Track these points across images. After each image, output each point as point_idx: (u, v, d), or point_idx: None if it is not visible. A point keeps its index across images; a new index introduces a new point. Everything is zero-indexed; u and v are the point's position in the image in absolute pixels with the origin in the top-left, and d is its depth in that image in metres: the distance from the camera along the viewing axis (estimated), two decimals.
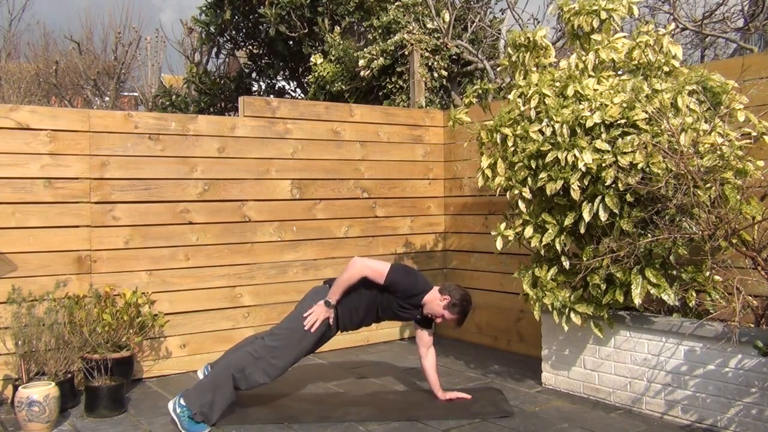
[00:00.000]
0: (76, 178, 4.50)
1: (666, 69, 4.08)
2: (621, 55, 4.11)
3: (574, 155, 3.72)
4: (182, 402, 3.65)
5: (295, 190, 5.37)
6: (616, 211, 3.67)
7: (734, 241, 3.49)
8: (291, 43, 9.66)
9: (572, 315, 3.96)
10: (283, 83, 10.76)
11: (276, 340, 3.80)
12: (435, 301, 3.96)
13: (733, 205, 3.51)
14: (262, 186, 5.22)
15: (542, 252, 4.08)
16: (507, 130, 4.10)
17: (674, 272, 3.80)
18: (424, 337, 4.10)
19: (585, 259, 3.85)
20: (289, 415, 3.92)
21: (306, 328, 3.79)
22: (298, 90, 10.67)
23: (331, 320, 3.88)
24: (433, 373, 4.14)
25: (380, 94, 7.34)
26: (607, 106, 3.75)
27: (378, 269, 3.83)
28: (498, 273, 5.52)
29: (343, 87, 7.74)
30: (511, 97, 4.24)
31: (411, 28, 7.07)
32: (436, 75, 6.98)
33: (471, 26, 7.99)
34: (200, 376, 4.04)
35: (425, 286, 3.97)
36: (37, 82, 14.40)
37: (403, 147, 5.97)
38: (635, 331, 3.94)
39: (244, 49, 10.66)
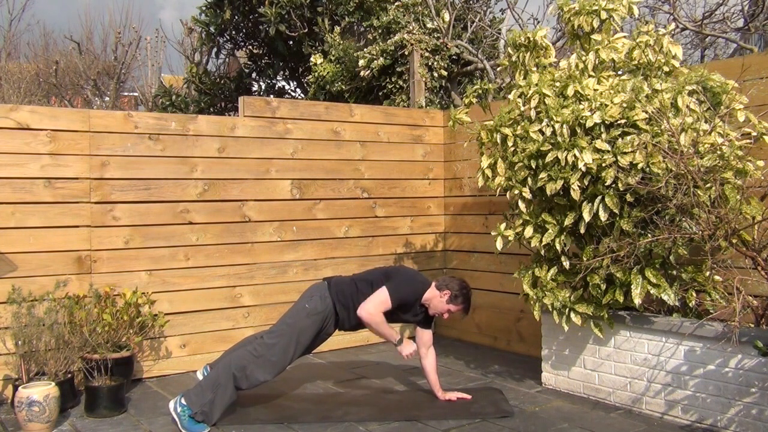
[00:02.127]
0: (76, 178, 4.50)
1: (666, 69, 4.08)
2: (621, 55, 4.11)
3: (574, 155, 3.72)
4: (183, 401, 3.65)
5: (295, 190, 5.37)
6: (616, 211, 3.67)
7: (734, 241, 3.49)
8: (291, 43, 9.66)
9: (572, 315, 3.96)
10: (283, 83, 10.76)
11: (274, 337, 3.82)
12: (436, 298, 3.99)
13: (733, 205, 3.51)
14: (262, 186, 5.21)
15: (542, 252, 4.08)
16: (507, 130, 4.10)
17: (674, 272, 3.80)
18: (424, 336, 4.10)
19: (585, 259, 3.85)
20: (289, 415, 3.92)
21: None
22: (298, 90, 10.67)
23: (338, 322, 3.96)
24: (434, 373, 4.14)
25: (380, 94, 7.34)
26: (607, 106, 3.75)
27: (382, 301, 3.86)
28: (498, 273, 5.52)
29: (343, 87, 7.74)
30: (511, 97, 4.24)
31: (411, 28, 7.07)
32: (436, 75, 6.98)
33: (471, 26, 8.00)
34: (199, 376, 4.04)
35: (425, 284, 4.02)
36: (37, 82, 14.39)
37: (403, 147, 5.97)
38: (635, 331, 3.94)
39: (244, 49, 10.66)
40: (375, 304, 3.85)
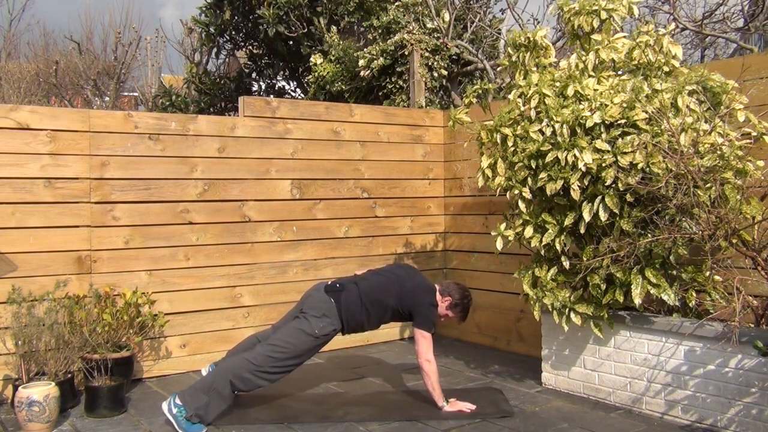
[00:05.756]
0: (76, 178, 4.50)
1: (666, 69, 4.08)
2: (621, 55, 4.10)
3: (574, 155, 3.72)
4: (178, 401, 3.65)
5: (295, 190, 5.37)
6: (616, 211, 3.67)
7: (734, 241, 3.49)
8: (291, 43, 9.66)
9: (572, 315, 3.96)
10: (283, 83, 10.77)
11: (276, 352, 3.80)
12: (437, 303, 4.01)
13: (733, 205, 3.51)
14: (262, 186, 5.21)
15: (542, 252, 4.08)
16: (507, 130, 4.10)
17: (674, 272, 3.80)
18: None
19: (585, 259, 3.85)
20: (289, 415, 3.92)
21: None
22: (298, 90, 10.67)
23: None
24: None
25: (380, 94, 7.34)
26: (607, 106, 3.75)
27: (431, 343, 3.90)
28: (498, 273, 5.52)
29: (343, 87, 7.74)
30: (511, 97, 4.24)
31: (411, 28, 7.07)
32: (436, 75, 6.98)
33: (471, 26, 8.00)
34: (204, 374, 4.04)
35: (435, 292, 4.04)
36: (37, 82, 14.40)
37: (403, 147, 5.97)
38: (635, 331, 3.94)
39: (243, 49, 10.66)
40: (430, 351, 3.87)
